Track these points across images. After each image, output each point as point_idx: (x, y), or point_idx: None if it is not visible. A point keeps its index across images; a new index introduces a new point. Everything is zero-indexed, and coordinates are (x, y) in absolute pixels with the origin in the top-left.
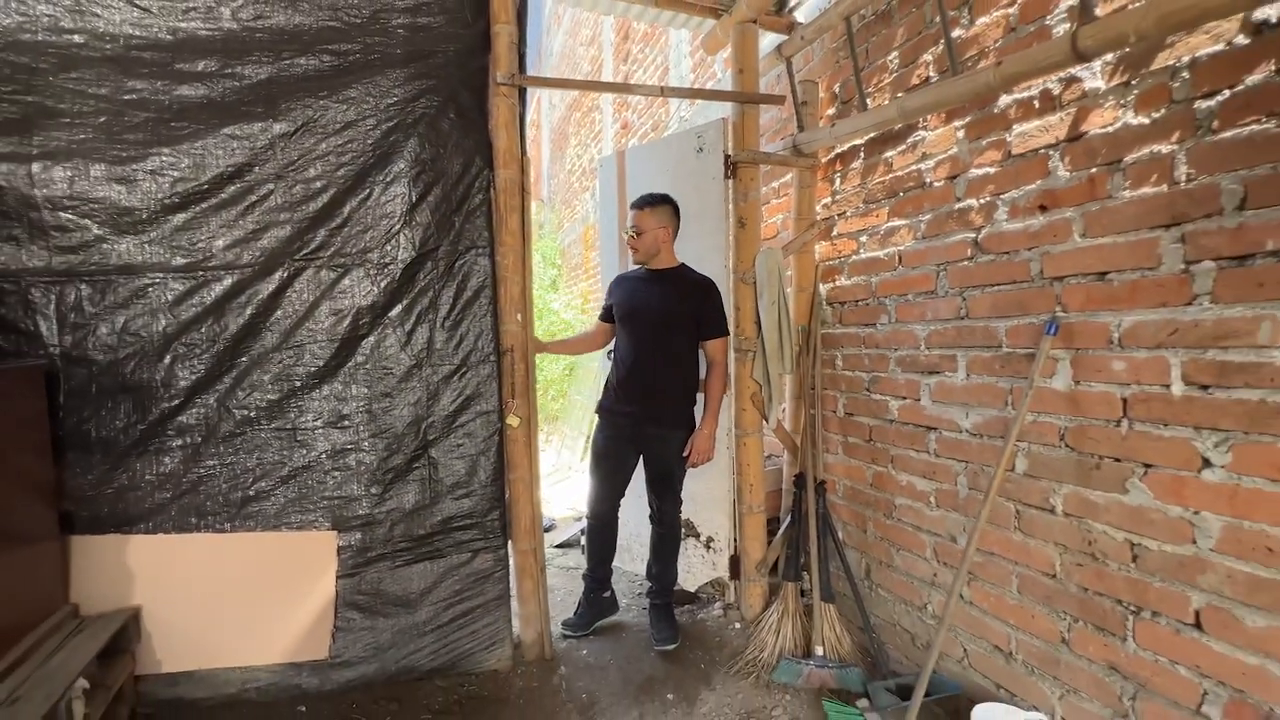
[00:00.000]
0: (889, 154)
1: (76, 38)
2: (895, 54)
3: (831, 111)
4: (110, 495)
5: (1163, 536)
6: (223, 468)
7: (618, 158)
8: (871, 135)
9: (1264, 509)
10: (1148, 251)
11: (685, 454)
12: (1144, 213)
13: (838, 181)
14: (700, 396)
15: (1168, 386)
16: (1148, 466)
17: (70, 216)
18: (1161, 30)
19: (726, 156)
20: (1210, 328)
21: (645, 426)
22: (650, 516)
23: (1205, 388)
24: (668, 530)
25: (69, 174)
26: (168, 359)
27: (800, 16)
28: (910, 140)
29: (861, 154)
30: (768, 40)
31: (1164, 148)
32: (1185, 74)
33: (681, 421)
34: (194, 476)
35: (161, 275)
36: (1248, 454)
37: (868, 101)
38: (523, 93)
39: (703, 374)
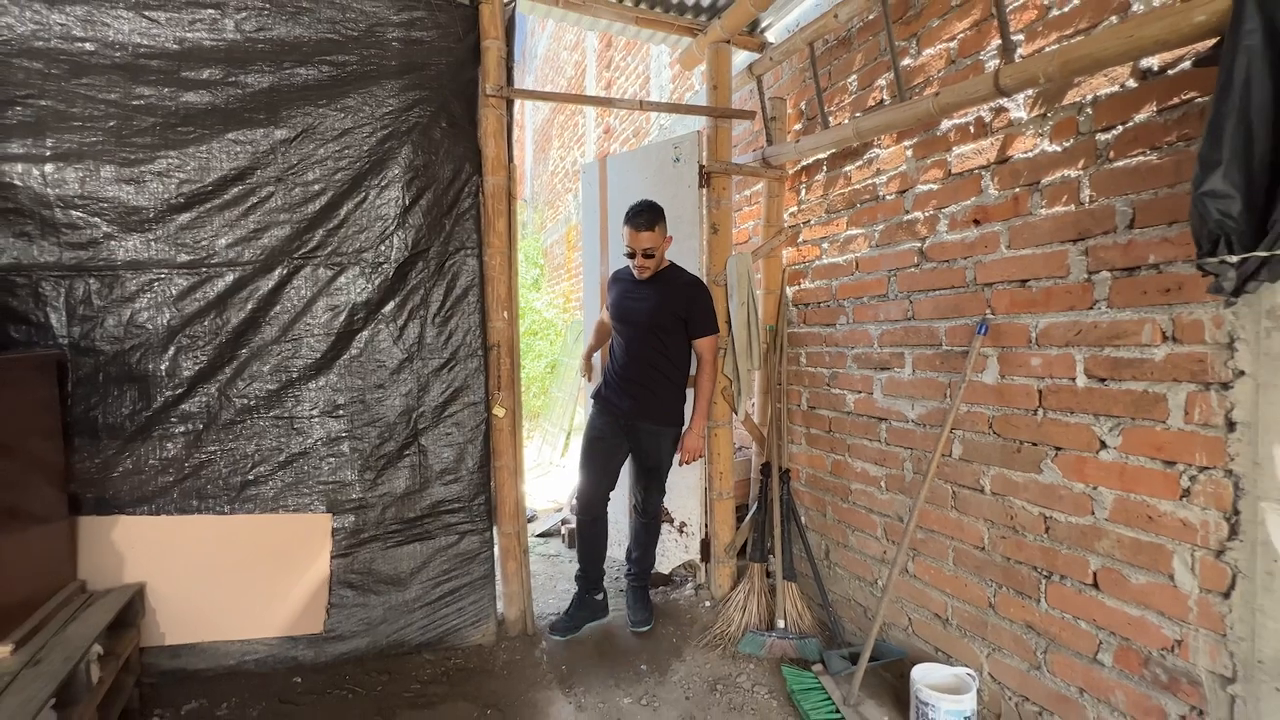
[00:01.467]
0: (848, 168)
1: (88, 45)
2: (855, 77)
3: (798, 127)
4: (116, 478)
5: (1068, 509)
6: (223, 453)
7: (600, 164)
8: (832, 151)
9: (1145, 483)
10: (1059, 262)
11: (677, 452)
12: (1057, 228)
13: (803, 192)
14: (691, 392)
15: (1073, 379)
16: (1058, 449)
17: (81, 215)
18: (1066, 73)
19: (701, 166)
20: (1106, 329)
21: (638, 422)
22: (634, 506)
23: (1102, 380)
24: (651, 520)
25: (80, 174)
26: (172, 350)
27: (771, 37)
28: (867, 156)
29: (824, 167)
30: (741, 58)
31: (1072, 172)
32: (1089, 110)
33: (673, 419)
34: (196, 461)
35: (167, 271)
36: (1134, 436)
37: (829, 120)
38: (510, 103)
39: (693, 370)
